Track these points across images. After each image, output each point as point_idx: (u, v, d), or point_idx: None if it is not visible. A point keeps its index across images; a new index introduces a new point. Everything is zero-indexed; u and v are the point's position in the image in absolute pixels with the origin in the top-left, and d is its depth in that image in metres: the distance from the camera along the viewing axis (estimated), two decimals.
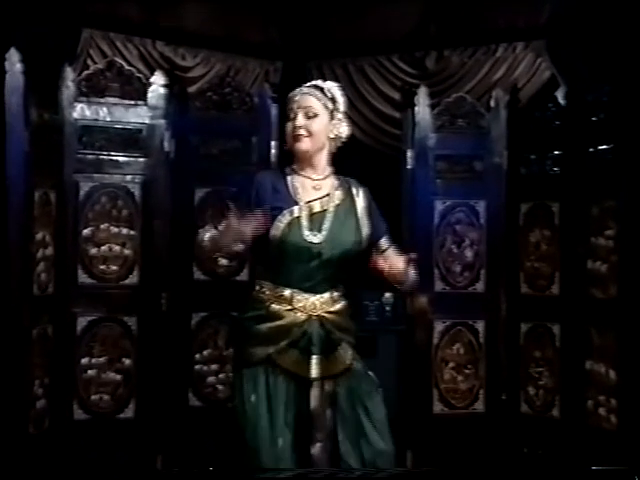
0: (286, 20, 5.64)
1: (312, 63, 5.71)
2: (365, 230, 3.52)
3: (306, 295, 3.46)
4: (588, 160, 4.61)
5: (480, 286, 5.00)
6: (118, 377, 4.68)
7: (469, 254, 4.99)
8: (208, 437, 4.72)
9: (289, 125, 3.53)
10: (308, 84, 3.61)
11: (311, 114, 3.50)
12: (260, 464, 3.35)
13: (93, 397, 4.64)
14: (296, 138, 3.50)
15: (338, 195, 3.53)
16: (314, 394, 3.42)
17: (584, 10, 4.89)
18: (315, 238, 3.44)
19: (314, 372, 3.43)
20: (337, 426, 3.44)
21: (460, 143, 4.99)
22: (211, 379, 4.84)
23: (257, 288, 3.53)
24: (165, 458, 4.67)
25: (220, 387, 4.83)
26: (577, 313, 4.64)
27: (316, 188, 3.52)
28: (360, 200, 3.56)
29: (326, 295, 3.49)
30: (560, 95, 4.80)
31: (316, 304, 3.46)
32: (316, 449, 3.41)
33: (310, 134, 3.49)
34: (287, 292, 3.46)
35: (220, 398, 4.82)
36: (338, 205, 3.51)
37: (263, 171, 3.78)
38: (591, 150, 4.59)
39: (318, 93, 3.53)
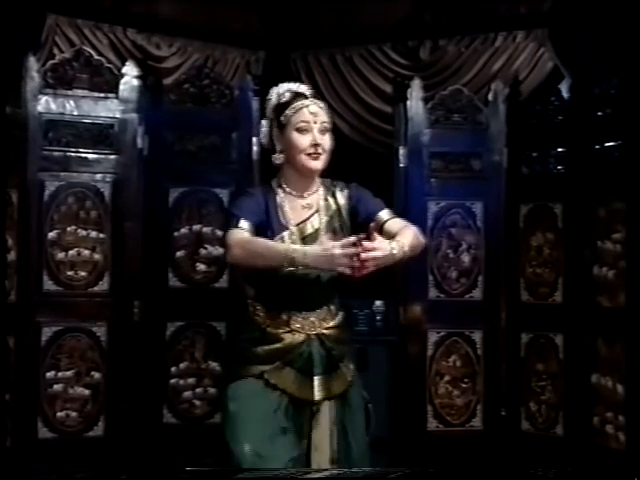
0: (269, 6, 5.63)
1: (297, 53, 5.71)
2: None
3: (303, 314, 3.44)
4: (594, 158, 4.59)
5: (478, 293, 4.98)
6: (86, 392, 4.62)
7: (466, 259, 4.96)
8: (184, 457, 4.66)
9: (303, 139, 3.42)
10: (307, 91, 3.55)
11: (324, 129, 3.46)
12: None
13: (59, 414, 4.58)
14: (313, 156, 3.42)
15: (327, 208, 3.49)
16: (321, 419, 3.42)
17: None
18: None
19: (317, 394, 3.42)
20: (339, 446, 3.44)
21: (456, 139, 4.96)
22: (187, 394, 4.78)
23: (251, 309, 3.50)
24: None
25: (197, 403, 4.78)
26: (582, 323, 4.61)
27: (306, 207, 3.47)
28: (342, 201, 3.51)
29: (324, 311, 3.48)
30: (564, 88, 4.79)
31: (315, 322, 3.45)
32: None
33: (324, 151, 3.45)
34: (284, 315, 3.44)
35: (197, 415, 4.78)
36: (329, 220, 3.47)
37: (255, 187, 3.71)
38: (597, 147, 4.57)
39: (324, 107, 3.50)
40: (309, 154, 3.42)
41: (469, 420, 4.95)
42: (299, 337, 3.42)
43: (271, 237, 3.37)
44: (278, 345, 3.41)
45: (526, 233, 4.86)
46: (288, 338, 3.42)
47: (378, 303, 5.52)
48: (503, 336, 4.92)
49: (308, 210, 3.47)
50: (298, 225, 3.43)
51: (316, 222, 3.45)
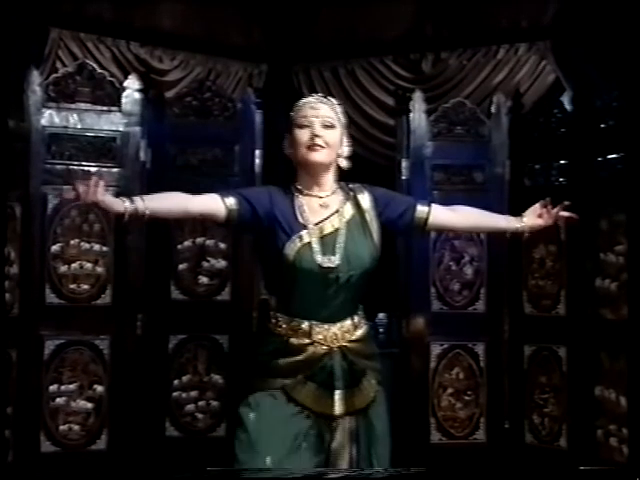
0: (271, 19, 5.64)
1: (299, 66, 5.73)
2: (376, 237, 3.45)
3: (326, 325, 3.40)
4: (596, 170, 4.59)
5: (480, 306, 4.98)
6: (89, 405, 4.63)
7: (469, 271, 4.97)
8: (187, 470, 4.62)
9: (302, 133, 3.42)
10: (316, 95, 3.58)
11: (328, 124, 3.44)
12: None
13: (62, 427, 4.58)
14: (312, 148, 3.41)
15: (347, 209, 3.46)
16: (338, 433, 3.39)
17: (592, 8, 4.87)
18: (329, 262, 3.36)
19: (338, 409, 3.39)
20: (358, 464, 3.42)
21: (459, 152, 4.98)
22: (190, 407, 4.79)
23: (273, 321, 3.46)
24: None
25: (200, 416, 4.79)
26: (585, 335, 4.61)
27: (323, 206, 3.45)
28: (366, 204, 3.49)
29: (347, 322, 3.44)
30: (566, 100, 4.79)
31: (337, 334, 3.41)
32: None
33: (327, 145, 3.43)
34: (305, 324, 3.40)
35: (200, 428, 4.79)
36: (349, 221, 3.44)
37: (274, 186, 3.60)
38: (600, 159, 4.58)
39: (332, 105, 3.50)
40: (308, 147, 3.41)
41: (472, 433, 4.95)
42: (321, 349, 3.38)
43: (289, 236, 3.35)
44: (299, 357, 3.37)
45: (529, 245, 4.83)
46: (310, 350, 3.37)
47: (381, 315, 5.50)
48: (506, 348, 4.92)
49: (326, 210, 3.44)
50: (317, 224, 3.40)
51: (336, 222, 3.42)
